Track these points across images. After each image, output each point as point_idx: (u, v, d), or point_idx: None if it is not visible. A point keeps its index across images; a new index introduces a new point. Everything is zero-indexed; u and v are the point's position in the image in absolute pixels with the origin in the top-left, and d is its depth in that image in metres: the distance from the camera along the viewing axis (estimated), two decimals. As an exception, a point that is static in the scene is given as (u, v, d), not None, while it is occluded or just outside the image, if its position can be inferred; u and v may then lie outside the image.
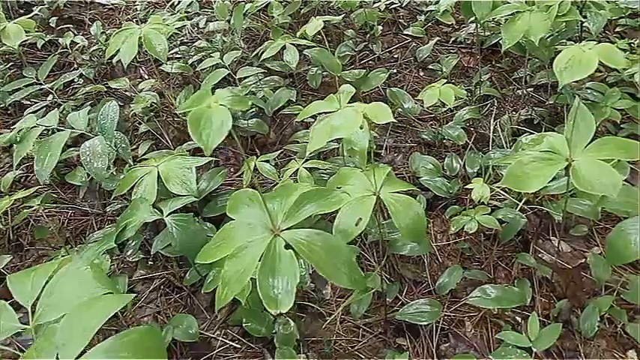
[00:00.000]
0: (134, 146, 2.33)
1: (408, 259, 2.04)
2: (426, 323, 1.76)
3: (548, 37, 2.54)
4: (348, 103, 1.57)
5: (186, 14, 2.58)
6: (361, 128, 1.28)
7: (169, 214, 1.57)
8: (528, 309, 1.91)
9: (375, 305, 1.91)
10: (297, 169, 1.90)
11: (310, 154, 1.79)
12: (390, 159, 2.40)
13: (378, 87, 2.65)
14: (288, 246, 1.16)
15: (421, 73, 2.82)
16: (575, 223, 2.14)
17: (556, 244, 2.15)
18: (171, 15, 2.76)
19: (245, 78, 2.47)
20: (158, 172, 1.66)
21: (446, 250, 2.10)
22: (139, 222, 1.51)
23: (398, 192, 1.47)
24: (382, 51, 2.89)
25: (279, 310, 1.07)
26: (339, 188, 1.49)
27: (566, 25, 2.48)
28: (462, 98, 2.33)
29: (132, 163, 1.83)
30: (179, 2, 2.57)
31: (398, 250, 1.92)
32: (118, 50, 1.95)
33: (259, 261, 1.13)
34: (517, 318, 1.91)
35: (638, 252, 1.50)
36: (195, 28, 2.95)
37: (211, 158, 1.80)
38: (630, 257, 1.50)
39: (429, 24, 3.03)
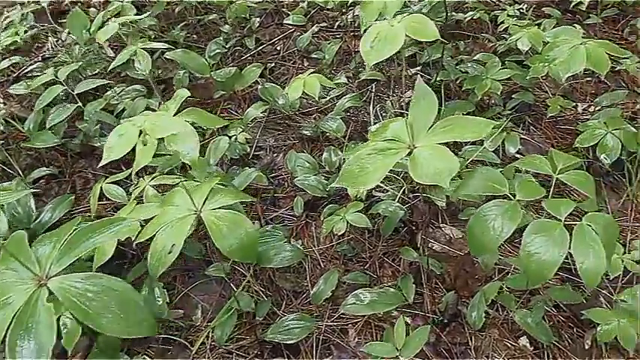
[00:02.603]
0: (-20, 180, 2.10)
1: (287, 269, 1.88)
2: (295, 341, 1.60)
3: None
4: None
5: (17, 29, 2.33)
6: (145, 144, 1.10)
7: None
8: (416, 306, 1.78)
9: (249, 325, 1.74)
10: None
11: (137, 170, 1.60)
12: (269, 160, 2.23)
13: (257, 82, 2.47)
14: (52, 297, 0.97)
15: (305, 63, 2.65)
16: (464, 207, 2.02)
17: (446, 232, 2.03)
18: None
19: (106, 91, 2.26)
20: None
21: (329, 253, 1.95)
22: None
23: (223, 207, 1.30)
24: (264, 44, 2.71)
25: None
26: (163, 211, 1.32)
27: (441, -2, 2.35)
28: (333, 88, 2.18)
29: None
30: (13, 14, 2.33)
31: (267, 262, 1.75)
32: None
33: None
34: (405, 319, 1.77)
35: (498, 238, 1.36)
36: (59, 41, 2.70)
37: (33, 190, 1.58)
38: (490, 244, 1.35)
39: (314, 11, 2.86)
